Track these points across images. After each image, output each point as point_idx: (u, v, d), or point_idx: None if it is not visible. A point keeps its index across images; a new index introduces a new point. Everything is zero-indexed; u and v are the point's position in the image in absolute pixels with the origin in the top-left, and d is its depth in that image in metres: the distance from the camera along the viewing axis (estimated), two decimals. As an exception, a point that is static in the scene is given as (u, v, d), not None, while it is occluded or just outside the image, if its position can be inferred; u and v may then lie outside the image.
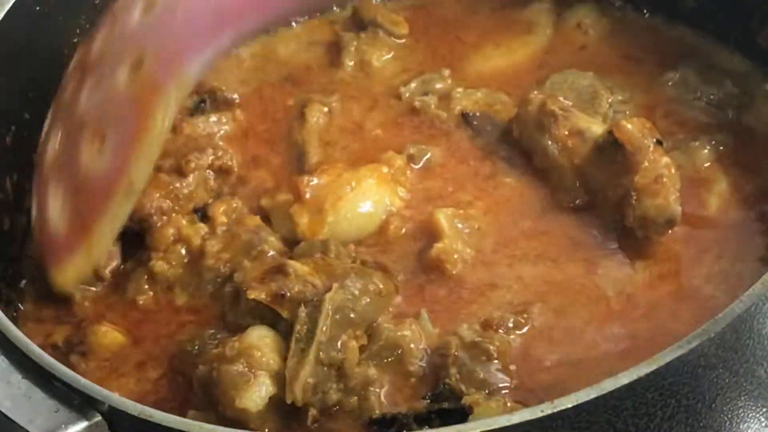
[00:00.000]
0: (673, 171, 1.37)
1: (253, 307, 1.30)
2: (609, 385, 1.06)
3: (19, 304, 1.43)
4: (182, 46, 1.32)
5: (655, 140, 1.38)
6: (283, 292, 1.27)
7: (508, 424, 1.05)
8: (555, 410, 1.05)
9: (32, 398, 1.15)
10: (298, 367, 1.23)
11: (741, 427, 1.18)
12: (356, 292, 1.29)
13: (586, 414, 1.06)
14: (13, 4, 1.45)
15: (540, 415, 1.05)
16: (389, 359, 1.27)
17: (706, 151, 1.47)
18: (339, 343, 1.25)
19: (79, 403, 1.14)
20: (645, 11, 1.66)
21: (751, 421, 1.19)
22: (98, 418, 1.13)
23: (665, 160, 1.37)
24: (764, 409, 1.19)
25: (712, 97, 1.53)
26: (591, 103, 1.53)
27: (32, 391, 1.15)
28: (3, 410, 1.13)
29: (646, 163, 1.36)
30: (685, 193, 1.38)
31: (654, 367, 1.06)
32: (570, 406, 1.06)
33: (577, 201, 1.42)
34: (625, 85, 1.57)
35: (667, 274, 1.36)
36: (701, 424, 1.14)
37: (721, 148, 1.47)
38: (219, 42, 1.35)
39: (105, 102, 1.33)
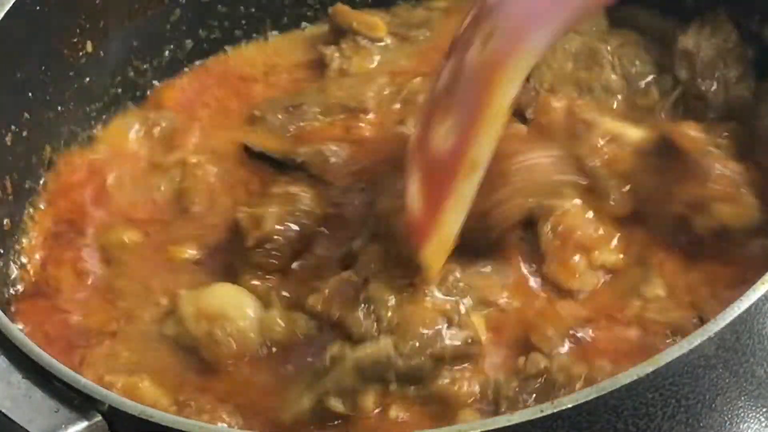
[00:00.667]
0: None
1: None
2: (609, 385, 1.06)
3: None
4: (528, 21, 1.27)
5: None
6: (337, 322, 1.25)
7: (508, 424, 1.05)
8: (555, 410, 1.05)
9: (32, 398, 1.15)
10: (301, 399, 1.22)
11: (741, 427, 1.18)
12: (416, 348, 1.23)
13: (586, 414, 1.06)
14: (13, 4, 1.44)
15: (540, 415, 1.05)
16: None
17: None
18: (354, 398, 1.22)
19: (79, 403, 1.14)
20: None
21: (751, 421, 1.19)
22: (98, 418, 1.13)
23: (733, 164, 1.32)
24: (764, 409, 1.19)
25: None
26: (593, 59, 1.48)
27: (32, 391, 1.15)
28: (3, 410, 1.13)
29: (719, 168, 1.31)
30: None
31: (654, 367, 1.06)
32: (570, 406, 1.05)
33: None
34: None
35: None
36: (701, 424, 1.14)
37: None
38: (563, 18, 1.28)
39: (455, 80, 1.32)
